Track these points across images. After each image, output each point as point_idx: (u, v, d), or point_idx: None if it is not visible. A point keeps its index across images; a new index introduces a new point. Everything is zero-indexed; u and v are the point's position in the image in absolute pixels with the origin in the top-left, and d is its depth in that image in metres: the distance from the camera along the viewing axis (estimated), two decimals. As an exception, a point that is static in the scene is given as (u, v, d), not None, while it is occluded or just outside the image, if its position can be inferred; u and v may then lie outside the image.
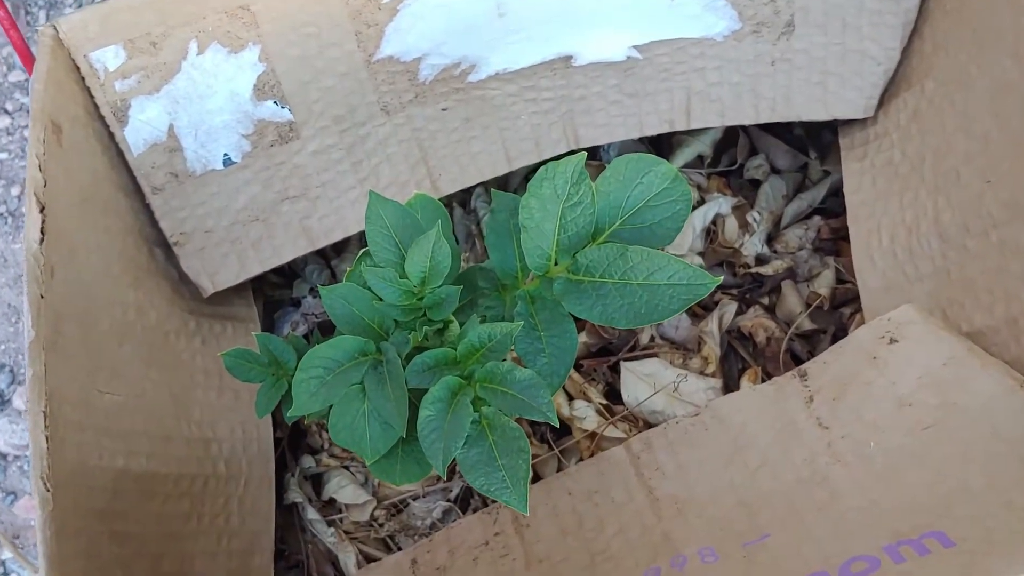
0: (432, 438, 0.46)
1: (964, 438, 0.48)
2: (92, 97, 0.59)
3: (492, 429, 0.47)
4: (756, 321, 0.70)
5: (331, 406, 0.50)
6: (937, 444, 0.49)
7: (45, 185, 0.51)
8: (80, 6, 0.97)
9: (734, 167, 0.80)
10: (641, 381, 0.67)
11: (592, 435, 0.66)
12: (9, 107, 0.97)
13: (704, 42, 0.65)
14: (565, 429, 0.69)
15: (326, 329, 0.70)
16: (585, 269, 0.48)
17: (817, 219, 0.76)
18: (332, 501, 0.70)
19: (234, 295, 0.69)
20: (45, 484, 0.44)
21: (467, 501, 0.68)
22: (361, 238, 0.74)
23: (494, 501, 0.63)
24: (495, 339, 0.47)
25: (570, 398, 0.69)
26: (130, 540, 0.51)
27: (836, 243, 0.74)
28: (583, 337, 0.71)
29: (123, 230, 0.60)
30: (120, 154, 0.61)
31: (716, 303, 0.72)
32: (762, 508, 0.51)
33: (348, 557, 0.66)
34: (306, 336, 0.74)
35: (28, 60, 0.60)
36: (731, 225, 0.77)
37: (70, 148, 0.55)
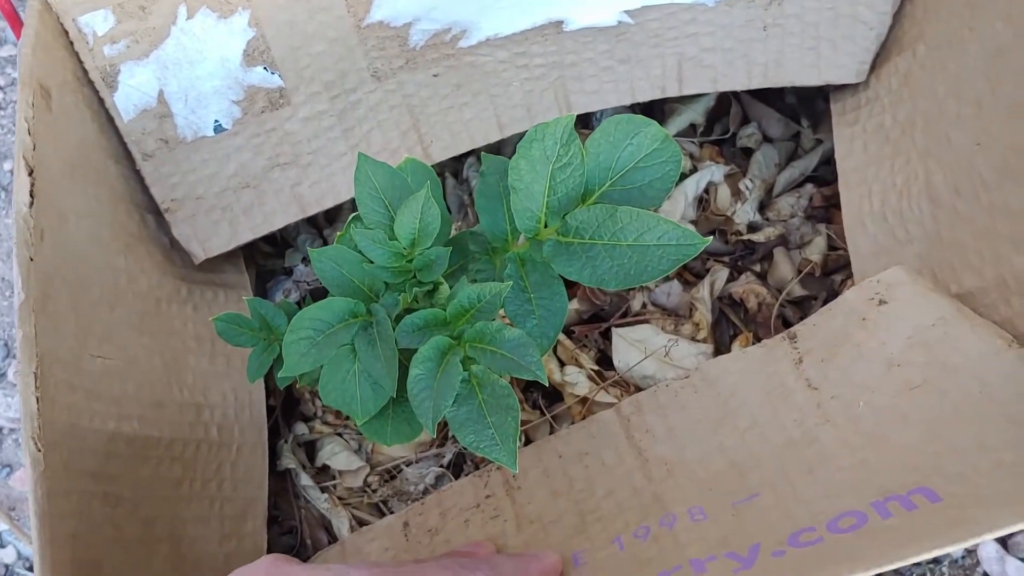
0: (422, 397, 0.46)
1: (953, 398, 0.48)
2: (81, 62, 0.58)
3: (482, 388, 0.47)
4: (747, 287, 0.70)
5: (321, 368, 0.50)
6: (926, 404, 0.49)
7: (34, 149, 0.50)
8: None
9: (727, 136, 0.80)
10: (632, 347, 0.67)
11: (584, 400, 0.66)
12: (1, 82, 0.97)
13: (696, 7, 0.64)
14: (557, 396, 0.69)
15: (318, 296, 0.70)
16: (575, 231, 0.48)
17: (809, 187, 0.76)
18: (326, 468, 0.70)
19: (225, 262, 0.69)
20: (36, 444, 0.44)
21: (460, 467, 0.68)
22: (353, 205, 0.74)
23: (486, 464, 0.63)
24: (484, 299, 0.48)
25: (562, 364, 0.69)
26: (122, 502, 0.51)
27: (828, 211, 0.74)
28: (575, 304, 0.71)
29: (113, 196, 0.59)
30: (110, 120, 0.61)
31: (708, 270, 0.72)
32: (752, 469, 0.51)
33: (341, 522, 0.66)
34: (298, 303, 0.74)
35: (16, 25, 0.60)
36: (723, 193, 0.77)
37: (59, 113, 0.55)
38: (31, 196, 0.49)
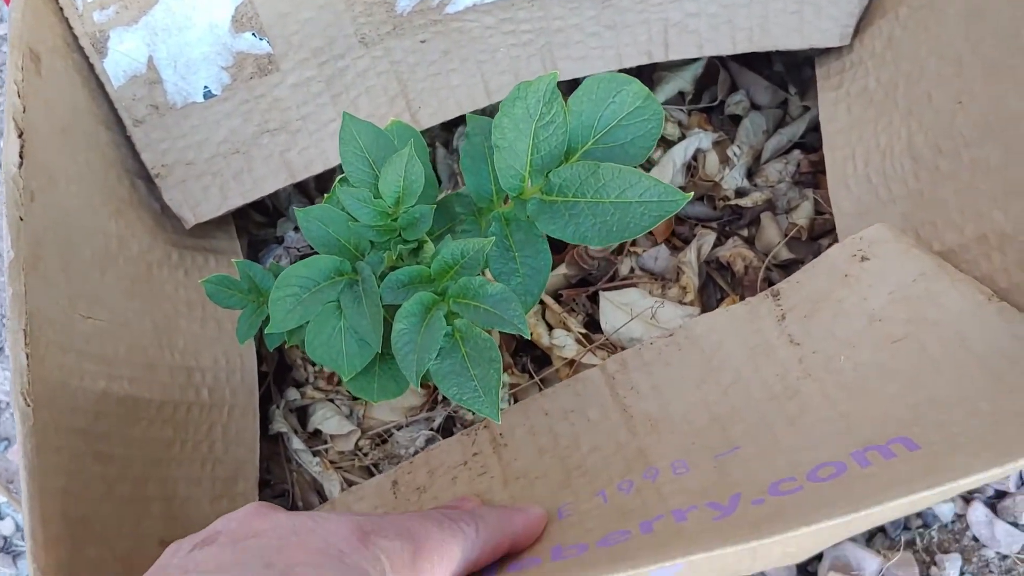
0: (406, 351, 0.47)
1: (934, 352, 0.49)
2: (71, 27, 0.59)
3: (465, 341, 0.48)
4: (735, 251, 0.71)
5: (308, 324, 0.51)
6: (907, 358, 0.49)
7: (24, 111, 0.51)
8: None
9: (715, 104, 0.80)
10: (619, 310, 0.68)
11: (571, 363, 0.67)
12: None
13: (680, -28, 0.65)
14: (546, 359, 0.70)
15: (309, 262, 0.71)
16: (558, 189, 0.48)
17: (797, 153, 0.76)
18: (317, 432, 0.71)
19: (217, 229, 0.69)
20: (25, 399, 0.45)
21: (449, 431, 0.69)
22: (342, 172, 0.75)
23: (475, 424, 0.64)
24: (468, 255, 0.48)
25: (550, 328, 0.70)
26: (113, 461, 0.52)
27: (815, 176, 0.75)
28: (563, 269, 0.71)
29: (104, 162, 0.60)
30: (100, 86, 0.61)
31: (695, 235, 0.73)
32: (734, 423, 0.51)
33: (333, 485, 0.67)
34: (289, 269, 0.75)
35: (6, -9, 0.60)
36: (712, 160, 0.77)
37: (49, 78, 0.56)
38: (20, 157, 0.49)
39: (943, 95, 0.57)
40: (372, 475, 0.68)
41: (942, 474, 0.39)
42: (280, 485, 0.70)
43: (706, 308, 0.69)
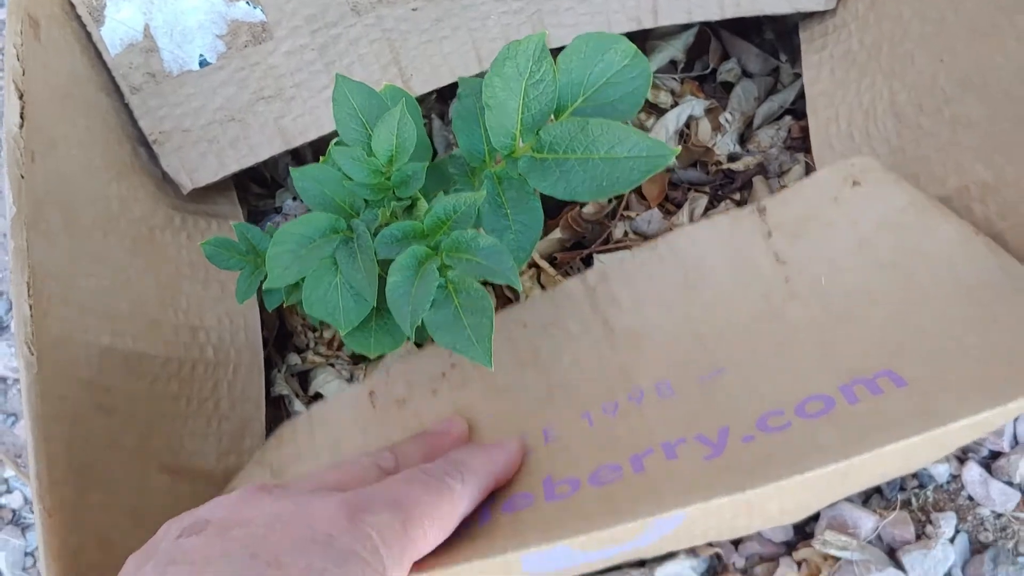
0: (400, 303, 0.48)
1: (921, 280, 0.49)
2: (68, -5, 0.60)
3: (458, 292, 0.49)
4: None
5: (305, 280, 0.52)
6: (894, 286, 0.49)
7: (24, 74, 0.52)
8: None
9: (707, 72, 0.81)
10: (612, 271, 0.69)
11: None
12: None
13: (669, -63, 0.66)
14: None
15: (306, 229, 0.72)
16: (548, 146, 0.49)
17: (788, 119, 0.78)
18: (318, 395, 0.72)
19: (219, 195, 0.71)
20: (29, 348, 0.46)
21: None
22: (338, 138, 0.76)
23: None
24: (460, 210, 0.49)
25: (544, 290, 0.71)
26: (117, 413, 0.53)
27: (805, 141, 0.76)
28: (557, 233, 0.73)
29: (105, 127, 0.61)
30: (98, 54, 0.62)
31: (687, 199, 0.74)
32: (718, 343, 0.51)
33: (332, 446, 0.69)
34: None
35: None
36: (704, 126, 0.78)
37: (48, 45, 0.57)
38: (21, 118, 0.51)
39: (925, 55, 0.57)
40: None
41: (929, 419, 0.39)
42: (281, 447, 0.71)
43: (697, 270, 0.70)
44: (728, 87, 0.81)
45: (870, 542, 0.64)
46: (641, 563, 0.65)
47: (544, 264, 0.72)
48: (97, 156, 0.59)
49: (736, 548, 0.67)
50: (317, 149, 0.81)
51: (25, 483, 0.89)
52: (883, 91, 0.60)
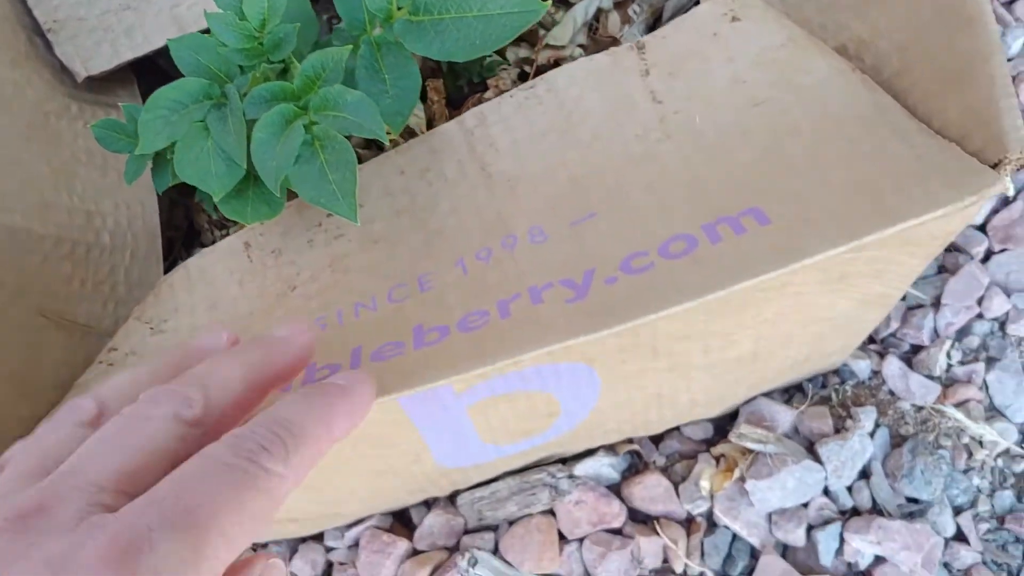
0: (265, 159, 0.49)
1: (794, 116, 0.48)
2: None
3: (323, 148, 0.49)
4: (626, 98, 0.72)
5: (177, 144, 0.52)
6: (767, 121, 0.49)
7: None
8: None
9: (617, -35, 0.82)
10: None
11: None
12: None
13: None
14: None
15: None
16: (423, 8, 0.50)
17: (695, 9, 0.78)
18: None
19: (118, 86, 0.71)
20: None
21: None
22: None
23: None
24: (328, 66, 0.50)
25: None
26: (4, 286, 0.54)
27: (711, 28, 0.76)
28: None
29: (-1, 16, 0.62)
30: (-10, -57, 0.63)
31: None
32: (592, 186, 0.51)
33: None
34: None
35: None
36: (613, 19, 0.79)
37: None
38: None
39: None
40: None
41: (791, 253, 0.39)
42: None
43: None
44: (639, -20, 0.81)
45: (788, 436, 0.65)
46: (562, 461, 0.67)
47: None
48: (-12, 41, 0.60)
49: (657, 447, 0.68)
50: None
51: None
52: (766, -41, 0.60)
